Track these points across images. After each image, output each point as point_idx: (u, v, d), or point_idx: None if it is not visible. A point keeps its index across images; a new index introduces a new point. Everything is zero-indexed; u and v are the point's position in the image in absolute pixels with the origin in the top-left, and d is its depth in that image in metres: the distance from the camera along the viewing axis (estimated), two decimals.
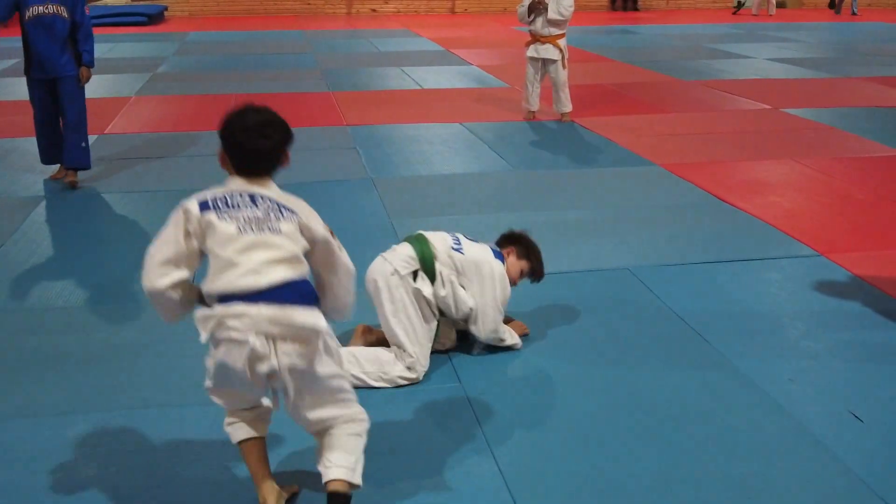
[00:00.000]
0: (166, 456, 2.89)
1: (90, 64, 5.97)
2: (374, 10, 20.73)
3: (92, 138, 7.02)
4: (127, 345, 3.69)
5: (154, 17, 17.93)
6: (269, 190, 2.47)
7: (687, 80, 10.76)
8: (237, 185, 2.44)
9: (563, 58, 7.88)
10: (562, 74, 7.95)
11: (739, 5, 21.44)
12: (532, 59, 8.01)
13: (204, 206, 2.37)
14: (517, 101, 8.72)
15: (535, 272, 3.70)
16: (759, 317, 3.98)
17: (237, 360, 2.28)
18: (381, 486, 2.70)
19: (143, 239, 5.05)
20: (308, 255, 2.43)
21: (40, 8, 5.67)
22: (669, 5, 22.42)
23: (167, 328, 3.76)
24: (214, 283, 2.31)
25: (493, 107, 8.95)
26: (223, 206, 2.37)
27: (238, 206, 2.38)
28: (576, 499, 2.66)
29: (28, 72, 5.89)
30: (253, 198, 2.41)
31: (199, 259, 2.39)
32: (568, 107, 8.13)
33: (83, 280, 4.44)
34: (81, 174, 6.13)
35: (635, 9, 21.75)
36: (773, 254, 4.78)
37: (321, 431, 2.45)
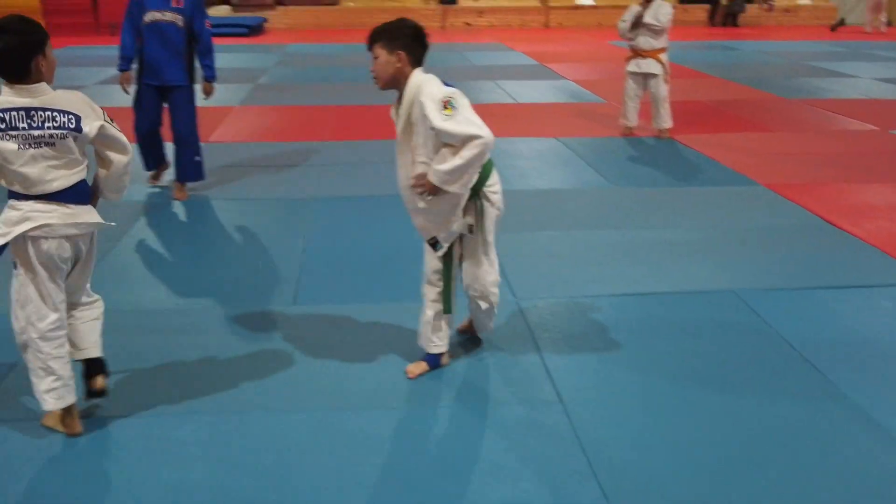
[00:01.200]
0: (274, 459, 2.94)
1: (212, 78, 6.05)
2: (467, 24, 20.85)
3: (201, 149, 7.27)
4: (234, 348, 3.77)
5: (254, 29, 18.43)
6: (43, 96, 2.80)
7: (789, 99, 10.46)
8: (11, 97, 2.78)
9: (664, 72, 7.79)
10: (663, 89, 7.84)
11: (840, 23, 20.78)
12: (633, 73, 7.92)
13: None
14: (614, 117, 8.64)
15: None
16: (871, 346, 3.83)
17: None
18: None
19: (249, 245, 5.21)
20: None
21: (157, 14, 5.74)
22: (770, 21, 21.87)
23: (276, 335, 3.86)
24: (13, 188, 2.84)
25: (589, 122, 8.88)
26: (2, 125, 2.75)
27: (16, 124, 2.76)
28: None
29: (140, 76, 5.92)
30: (28, 113, 2.77)
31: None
32: (668, 123, 8.01)
33: (193, 283, 4.57)
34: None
35: (734, 24, 21.29)
36: (885, 280, 4.60)
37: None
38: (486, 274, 3.45)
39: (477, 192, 3.30)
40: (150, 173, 6.41)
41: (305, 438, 3.06)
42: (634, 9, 7.73)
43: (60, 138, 2.81)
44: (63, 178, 2.86)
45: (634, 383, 3.49)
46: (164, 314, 4.16)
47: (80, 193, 2.93)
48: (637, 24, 7.67)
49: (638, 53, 7.84)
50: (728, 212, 5.82)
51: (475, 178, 3.22)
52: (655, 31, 7.67)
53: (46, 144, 2.80)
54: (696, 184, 6.59)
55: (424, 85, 3.14)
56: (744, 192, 6.26)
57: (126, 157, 3.00)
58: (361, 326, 4.00)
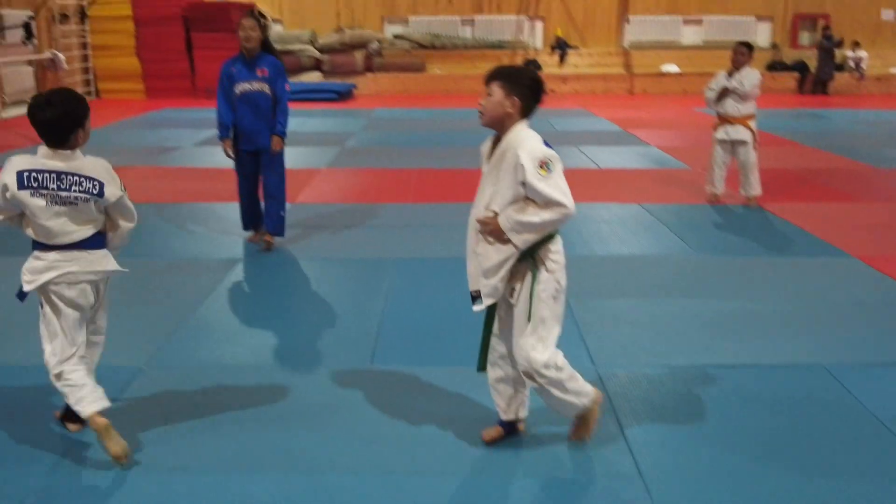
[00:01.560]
0: None
1: (282, 134, 6.25)
2: (551, 90, 21.03)
3: (286, 206, 7.47)
4: (310, 406, 3.79)
5: (344, 94, 18.97)
6: (73, 162, 3.15)
7: (882, 168, 10.16)
8: (45, 159, 3.13)
9: (753, 139, 7.69)
10: (752, 156, 7.73)
11: None
12: (721, 141, 7.84)
13: (21, 184, 3.12)
14: (699, 184, 8.53)
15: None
16: None
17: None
18: None
19: (329, 303, 5.27)
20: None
21: (246, 85, 6.11)
22: (860, 90, 21.41)
23: (351, 395, 3.87)
24: (38, 238, 3.21)
25: (674, 188, 8.79)
26: (35, 184, 3.12)
27: (46, 185, 3.12)
28: None
29: (236, 144, 6.28)
30: (59, 176, 3.12)
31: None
32: (757, 190, 7.86)
33: (273, 340, 4.64)
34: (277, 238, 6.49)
35: (824, 93, 20.92)
36: None
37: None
38: (529, 348, 3.17)
39: (532, 256, 3.17)
40: (247, 234, 6.68)
41: (377, 501, 3.04)
42: (721, 76, 7.68)
43: (84, 201, 3.19)
44: (82, 231, 3.24)
45: (717, 460, 3.36)
46: (242, 370, 4.23)
47: (97, 242, 3.30)
48: (724, 92, 7.62)
49: (726, 120, 7.77)
50: (817, 284, 5.63)
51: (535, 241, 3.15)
52: (743, 97, 7.59)
53: (71, 204, 3.18)
54: (784, 254, 6.41)
55: (526, 139, 3.14)
56: (834, 264, 6.06)
57: (132, 224, 3.39)
58: (437, 389, 3.98)
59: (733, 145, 7.79)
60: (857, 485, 3.16)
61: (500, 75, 3.19)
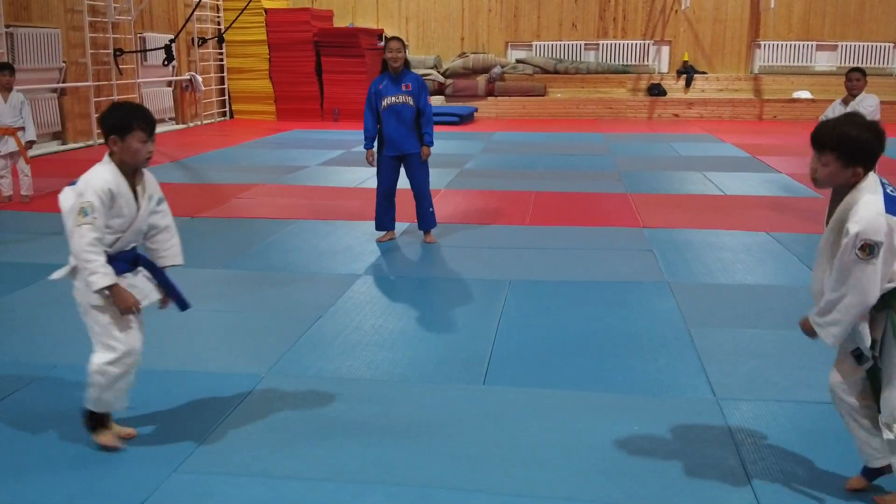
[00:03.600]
0: None
1: (430, 143, 7.14)
2: (676, 115, 20.62)
3: (404, 225, 7.62)
4: (420, 423, 3.81)
5: (465, 118, 19.14)
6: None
7: None
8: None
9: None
10: None
11: None
12: None
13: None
14: None
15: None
16: None
17: None
18: None
19: (444, 323, 5.30)
20: None
21: (393, 98, 6.96)
22: None
23: (462, 414, 3.87)
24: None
25: (803, 217, 8.43)
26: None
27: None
28: None
29: (381, 150, 7.12)
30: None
31: None
32: None
33: (390, 356, 4.69)
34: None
35: None
36: None
37: None
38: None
39: (889, 305, 2.87)
40: (380, 234, 7.40)
41: None
42: (836, 105, 7.42)
43: None
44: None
45: (841, 499, 3.17)
46: (358, 383, 4.28)
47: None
48: None
49: None
50: None
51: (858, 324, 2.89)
52: None
53: None
54: None
55: (863, 205, 2.81)
56: None
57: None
58: (548, 412, 3.93)
59: None
60: None
61: (834, 142, 2.89)
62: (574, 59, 21.87)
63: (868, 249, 2.74)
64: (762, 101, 20.69)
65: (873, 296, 2.79)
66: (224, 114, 19.79)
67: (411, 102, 6.98)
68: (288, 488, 3.23)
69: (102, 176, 3.34)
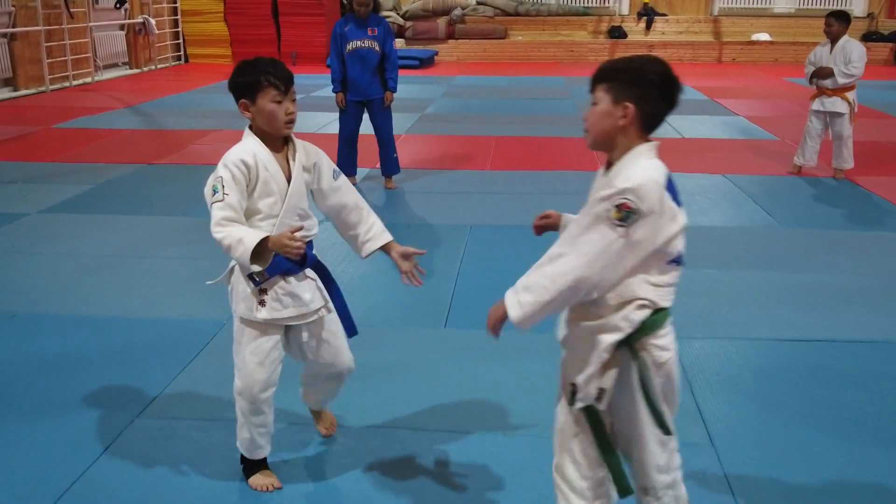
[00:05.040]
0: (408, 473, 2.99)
1: (394, 89, 7.10)
2: None
3: (365, 171, 7.61)
4: (383, 365, 3.86)
5: (425, 62, 18.95)
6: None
7: None
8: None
9: (851, 112, 7.42)
10: (847, 129, 7.47)
11: None
12: (817, 112, 7.59)
13: None
14: (787, 154, 8.28)
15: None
16: None
17: None
18: None
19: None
20: None
21: (358, 42, 6.88)
22: None
23: (423, 353, 3.93)
24: None
25: (760, 159, 8.55)
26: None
27: None
28: None
29: (344, 94, 7.02)
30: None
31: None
32: (850, 163, 7.61)
33: (350, 300, 4.71)
34: None
35: None
36: None
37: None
38: (650, 457, 2.25)
39: (631, 345, 2.15)
40: None
41: (445, 455, 3.09)
42: (821, 52, 7.42)
43: None
44: None
45: (791, 432, 3.31)
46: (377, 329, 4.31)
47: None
48: (820, 73, 7.36)
49: (823, 92, 7.50)
50: None
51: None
52: (849, 75, 7.31)
53: None
54: (872, 228, 6.20)
55: (641, 167, 2.12)
56: None
57: None
58: (507, 352, 4.00)
59: (829, 117, 7.54)
60: None
61: (607, 74, 2.18)
62: (535, 0, 21.69)
63: (624, 213, 2.03)
64: (721, 43, 20.75)
65: (598, 274, 2.06)
66: (179, 58, 19.37)
67: (377, 48, 6.90)
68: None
69: (239, 147, 2.73)
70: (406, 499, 2.86)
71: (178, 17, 19.25)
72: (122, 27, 17.30)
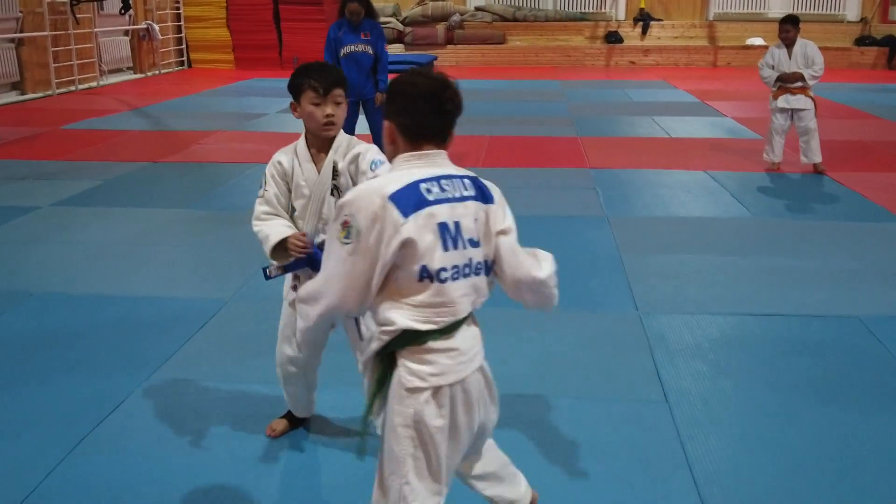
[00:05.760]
0: None
1: (384, 90, 7.33)
2: (632, 63, 20.96)
3: None
4: None
5: (424, 66, 19.34)
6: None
7: None
8: None
9: (815, 106, 7.82)
10: (813, 123, 7.86)
11: None
12: (782, 109, 7.95)
13: None
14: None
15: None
16: None
17: None
18: (574, 489, 2.95)
19: None
20: None
21: (352, 46, 7.30)
22: None
23: None
24: None
25: (741, 157, 8.89)
26: None
27: None
28: None
29: None
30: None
31: None
32: (819, 157, 7.96)
33: None
34: None
35: None
36: None
37: None
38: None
39: (391, 358, 2.09)
40: None
41: None
42: (779, 55, 7.80)
43: None
44: None
45: (741, 391, 3.64)
46: None
47: None
48: (790, 78, 7.74)
49: (787, 90, 7.88)
50: (866, 245, 5.77)
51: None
52: (815, 77, 7.75)
53: None
54: (840, 218, 6.53)
55: (366, 182, 2.18)
56: (889, 229, 6.16)
57: None
58: (492, 323, 4.32)
59: (794, 113, 7.91)
60: (869, 414, 3.40)
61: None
62: (532, 6, 22.06)
63: (346, 230, 1.99)
64: (716, 47, 21.10)
65: (339, 294, 2.01)
66: (182, 63, 19.76)
67: (370, 51, 7.32)
68: (253, 390, 3.61)
69: (286, 147, 2.94)
70: None
71: (182, 22, 19.64)
72: (126, 33, 17.68)
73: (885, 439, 3.22)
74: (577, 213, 6.59)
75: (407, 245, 1.96)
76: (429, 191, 2.00)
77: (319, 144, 2.89)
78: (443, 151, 2.11)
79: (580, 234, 6.01)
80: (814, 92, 7.97)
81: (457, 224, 2.02)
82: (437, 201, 2.00)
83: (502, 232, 2.10)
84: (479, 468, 2.39)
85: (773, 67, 7.88)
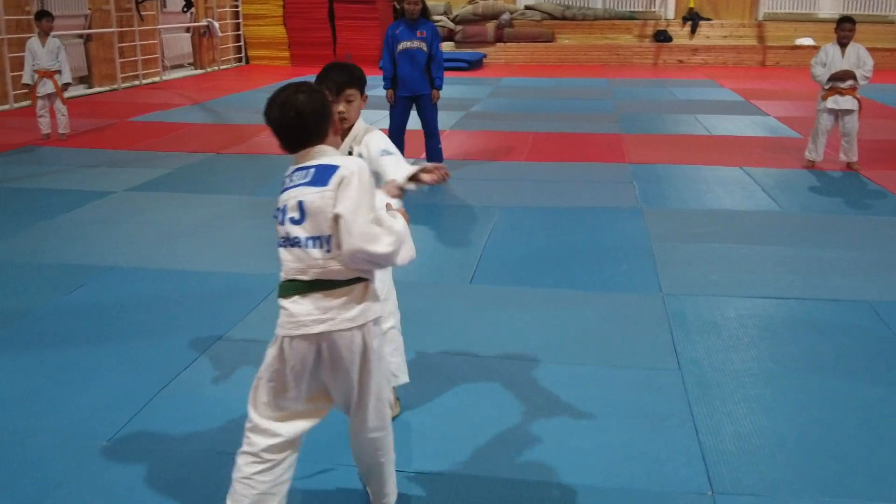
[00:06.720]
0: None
1: (439, 87, 7.91)
2: (680, 61, 21.11)
3: (411, 160, 8.36)
4: (416, 310, 4.62)
5: (474, 64, 19.72)
6: None
7: None
8: None
9: (860, 108, 8.10)
10: (857, 124, 8.15)
11: None
12: (830, 110, 8.20)
13: None
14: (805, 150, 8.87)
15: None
16: None
17: None
18: (588, 459, 3.35)
19: (440, 236, 6.11)
20: None
21: (408, 43, 7.73)
22: None
23: (450, 301, 4.64)
24: None
25: (780, 154, 9.13)
26: None
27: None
28: (778, 488, 3.13)
29: (394, 90, 7.85)
30: None
31: None
32: (856, 156, 8.24)
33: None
34: None
35: None
36: None
37: None
38: None
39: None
40: None
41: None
42: (834, 54, 8.03)
43: None
44: None
45: (751, 361, 3.99)
46: None
47: None
48: (839, 77, 7.99)
49: (837, 91, 8.12)
50: (888, 238, 6.03)
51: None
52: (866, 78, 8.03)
53: None
54: (867, 213, 6.79)
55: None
56: None
57: None
58: (523, 301, 4.74)
59: (841, 114, 8.15)
60: (873, 389, 3.73)
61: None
62: (582, 5, 22.33)
63: None
64: (765, 47, 21.14)
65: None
66: (240, 59, 20.45)
67: (424, 48, 7.73)
68: None
69: None
70: (433, 416, 3.62)
71: (240, 20, 20.33)
72: (188, 30, 18.41)
73: (879, 407, 3.55)
74: (613, 205, 6.94)
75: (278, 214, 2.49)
76: (283, 183, 2.50)
77: (345, 138, 3.25)
78: (312, 148, 2.49)
79: (613, 224, 6.37)
80: (860, 92, 8.20)
81: (285, 206, 2.45)
82: (284, 189, 2.48)
83: (337, 214, 2.38)
84: (352, 444, 2.70)
85: (824, 66, 8.13)
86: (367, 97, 3.27)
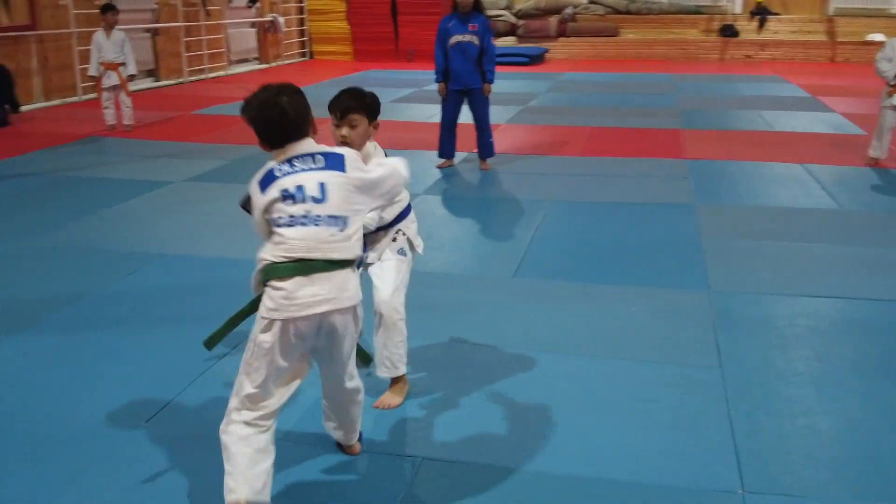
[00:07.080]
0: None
1: (491, 81, 7.89)
2: (748, 57, 20.68)
3: (463, 154, 8.39)
4: (458, 301, 4.64)
5: (535, 59, 19.64)
6: None
7: None
8: None
9: None
10: None
11: None
12: (894, 107, 7.95)
13: None
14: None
15: None
16: None
17: None
18: (618, 454, 3.33)
19: (487, 230, 6.12)
20: None
21: (460, 37, 7.73)
22: None
23: (493, 294, 4.65)
24: None
25: (842, 151, 8.90)
26: None
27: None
28: (812, 489, 3.07)
29: (446, 83, 7.86)
30: None
31: None
32: None
33: (441, 253, 5.52)
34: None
35: None
36: None
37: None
38: None
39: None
40: (440, 161, 8.22)
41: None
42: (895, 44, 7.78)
43: None
44: None
45: (796, 361, 3.91)
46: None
47: None
48: None
49: None
50: None
51: None
52: None
53: None
54: None
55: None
56: None
57: None
58: (567, 295, 4.73)
59: None
60: None
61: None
62: None
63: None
64: (835, 43, 20.57)
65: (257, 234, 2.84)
66: (304, 54, 20.72)
67: (476, 41, 7.72)
68: None
69: None
70: (475, 407, 3.64)
71: (304, 15, 20.60)
72: (253, 25, 18.73)
73: None
74: (666, 200, 6.86)
75: (265, 207, 2.68)
76: (280, 170, 2.67)
77: None
78: (300, 142, 2.72)
79: (665, 219, 6.30)
80: None
81: (301, 186, 2.64)
82: (286, 174, 2.66)
83: (363, 183, 2.73)
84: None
85: (890, 61, 7.88)
86: (379, 124, 3.37)
